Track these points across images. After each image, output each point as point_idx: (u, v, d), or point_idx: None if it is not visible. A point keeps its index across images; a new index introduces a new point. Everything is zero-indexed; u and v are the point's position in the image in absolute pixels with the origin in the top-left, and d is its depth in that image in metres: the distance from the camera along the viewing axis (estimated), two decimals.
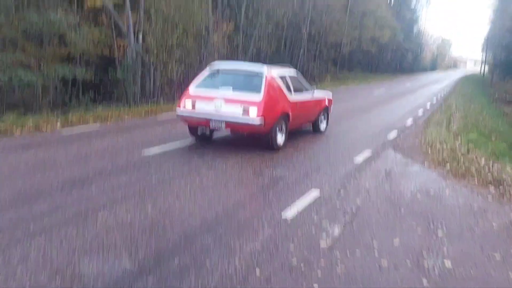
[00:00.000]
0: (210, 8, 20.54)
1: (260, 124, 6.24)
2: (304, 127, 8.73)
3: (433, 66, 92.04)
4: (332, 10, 32.35)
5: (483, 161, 6.60)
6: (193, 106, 6.72)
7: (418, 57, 71.04)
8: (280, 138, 6.95)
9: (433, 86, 31.88)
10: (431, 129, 9.62)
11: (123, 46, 17.33)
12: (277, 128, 6.79)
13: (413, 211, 4.46)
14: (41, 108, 12.86)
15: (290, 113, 7.07)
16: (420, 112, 13.71)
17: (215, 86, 6.82)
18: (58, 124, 8.91)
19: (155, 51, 16.16)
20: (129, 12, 16.34)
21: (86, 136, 7.83)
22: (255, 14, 22.61)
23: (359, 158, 6.72)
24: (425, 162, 6.70)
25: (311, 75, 31.87)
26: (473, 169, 6.12)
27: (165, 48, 16.25)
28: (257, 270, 3.09)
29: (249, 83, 6.78)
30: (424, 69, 78.30)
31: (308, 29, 29.71)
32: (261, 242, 3.55)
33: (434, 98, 19.59)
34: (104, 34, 16.86)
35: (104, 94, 16.66)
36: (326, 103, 9.01)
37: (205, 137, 7.38)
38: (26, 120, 8.81)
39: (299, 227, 3.88)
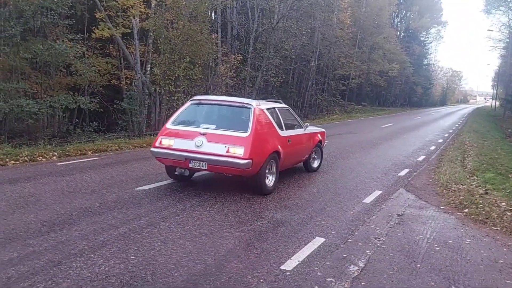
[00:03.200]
0: (219, 40, 20.63)
1: (247, 166, 5.46)
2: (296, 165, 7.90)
3: (443, 100, 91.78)
4: (340, 43, 32.48)
5: (503, 205, 6.05)
6: (170, 144, 5.90)
7: (428, 91, 70.86)
8: (270, 181, 6.15)
9: (444, 120, 31.40)
10: (444, 167, 9.11)
11: (130, 77, 17.30)
12: (267, 170, 5.99)
13: (431, 265, 3.92)
14: (43, 137, 12.64)
15: (282, 151, 6.28)
16: (432, 147, 13.20)
17: (196, 122, 6.15)
18: (55, 155, 8.60)
19: (161, 82, 16.05)
20: (137, 43, 16.39)
21: (81, 169, 7.47)
22: (264, 47, 22.64)
23: (368, 199, 6.22)
24: (441, 205, 6.17)
25: (319, 108, 31.69)
26: (494, 214, 5.57)
27: (172, 79, 16.14)
28: None
29: (235, 118, 6.14)
30: (433, 104, 78.01)
31: (316, 61, 29.72)
32: None
33: (446, 134, 19.09)
34: (111, 65, 16.86)
35: (108, 124, 16.49)
36: (319, 138, 8.23)
37: (183, 178, 6.52)
38: (22, 151, 8.51)
39: (299, 285, 3.37)
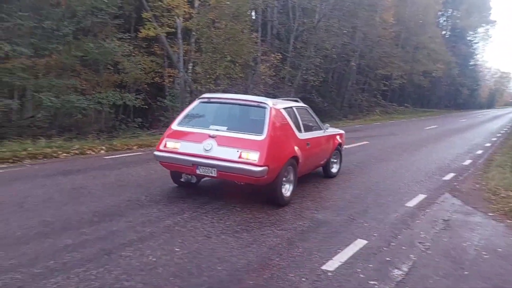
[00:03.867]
0: (259, 39, 20.73)
1: (262, 174, 4.85)
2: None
3: (490, 103, 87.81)
4: (383, 42, 31.76)
5: None
6: (175, 148, 5.32)
7: (474, 93, 68.04)
8: (287, 190, 5.51)
9: (492, 123, 30.05)
10: (493, 172, 8.73)
11: (173, 75, 17.72)
12: (284, 177, 5.38)
13: (479, 273, 3.80)
14: (92, 132, 13.21)
15: (300, 156, 5.67)
16: (479, 151, 12.68)
17: (205, 123, 5.53)
18: (103, 149, 8.99)
19: (202, 80, 16.35)
20: (181, 42, 16.77)
21: (127, 163, 7.77)
22: (304, 46, 22.53)
23: (412, 203, 6.08)
24: (489, 211, 5.94)
25: (359, 108, 31.15)
26: None
27: (213, 77, 16.40)
28: None
29: (248, 118, 5.60)
30: (480, 106, 74.78)
31: (357, 61, 29.23)
32: None
33: (493, 137, 18.26)
34: (155, 63, 17.34)
35: (152, 120, 16.98)
36: (339, 140, 7.61)
37: (190, 185, 5.89)
38: (72, 145, 8.95)
39: (341, 286, 3.37)
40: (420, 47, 39.75)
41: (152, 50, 17.70)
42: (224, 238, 4.19)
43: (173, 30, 16.81)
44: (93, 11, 13.31)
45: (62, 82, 12.63)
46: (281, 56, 21.00)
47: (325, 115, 23.79)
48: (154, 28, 16.03)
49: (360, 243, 4.30)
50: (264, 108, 5.35)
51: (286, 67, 21.65)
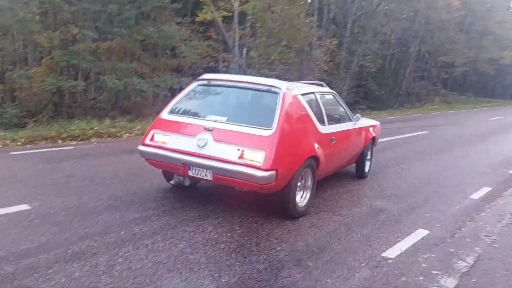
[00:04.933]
0: (314, 24, 20.39)
1: (269, 180, 3.80)
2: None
3: None
4: (446, 27, 30.08)
5: None
6: (164, 142, 4.30)
7: None
8: (303, 198, 4.44)
9: None
10: None
11: (228, 60, 17.92)
12: (298, 182, 4.28)
13: None
14: (151, 114, 13.75)
15: (322, 155, 4.54)
16: None
17: (202, 112, 4.47)
18: None
19: (257, 65, 16.41)
20: (237, 26, 16.86)
21: None
22: (362, 31, 21.89)
23: (476, 195, 5.81)
24: None
25: (417, 96, 29.91)
26: None
27: (267, 62, 16.40)
28: None
29: (255, 106, 4.55)
30: None
31: (417, 47, 27.97)
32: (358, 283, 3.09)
33: None
34: (211, 47, 17.60)
35: None
36: (372, 134, 6.39)
37: (183, 187, 4.85)
38: (134, 126, 9.38)
39: (402, 273, 3.32)
40: (487, 33, 37.23)
41: (209, 34, 17.97)
42: (282, 220, 4.24)
43: (230, 14, 16.94)
44: None
45: (124, 65, 13.18)
46: (337, 41, 20.54)
47: (381, 103, 23.10)
48: (211, 12, 16.23)
49: (421, 233, 4.19)
50: (276, 93, 4.21)
51: (342, 53, 21.18)
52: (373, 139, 6.46)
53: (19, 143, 7.16)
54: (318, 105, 4.84)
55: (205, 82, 4.74)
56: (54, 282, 2.79)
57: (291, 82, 4.89)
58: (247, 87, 4.54)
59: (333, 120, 5.18)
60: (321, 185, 5.45)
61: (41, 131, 8.09)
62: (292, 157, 4.11)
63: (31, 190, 4.63)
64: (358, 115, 5.95)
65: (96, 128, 8.61)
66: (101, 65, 12.75)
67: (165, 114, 4.52)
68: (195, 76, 16.60)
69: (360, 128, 5.92)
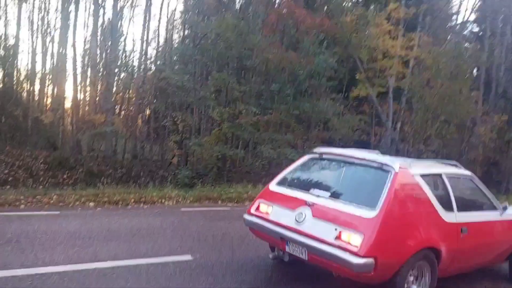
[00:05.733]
0: (480, 98, 19.05)
1: (366, 269, 3.36)
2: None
3: None
4: None
5: None
6: (267, 213, 4.21)
7: None
8: None
9: None
10: None
11: (380, 133, 17.91)
12: (410, 276, 3.76)
13: None
14: None
15: (445, 248, 3.91)
16: None
17: (306, 186, 4.23)
18: None
19: (411, 140, 15.99)
20: (391, 102, 16.96)
21: None
22: None
23: None
24: None
25: None
26: None
27: (423, 137, 15.86)
28: None
29: (361, 184, 4.14)
30: None
31: None
32: None
33: None
34: (363, 121, 17.92)
35: None
36: None
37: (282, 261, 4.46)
38: None
39: None
40: None
41: (361, 109, 18.42)
42: None
43: (384, 90, 17.20)
44: (312, 75, 14.95)
45: (280, 136, 14.41)
46: (506, 117, 18.67)
47: None
48: (366, 89, 16.76)
49: None
50: (387, 171, 3.81)
51: None
52: None
53: (188, 201, 8.44)
54: (445, 188, 4.21)
55: (317, 155, 4.57)
56: None
57: (411, 160, 4.66)
58: (359, 163, 4.18)
59: (467, 207, 4.42)
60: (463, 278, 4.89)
61: (206, 191, 9.38)
62: (400, 245, 3.58)
63: (194, 243, 5.46)
64: (506, 204, 4.90)
65: (250, 191, 9.55)
66: (259, 136, 14.21)
67: (273, 185, 4.46)
68: (345, 147, 17.05)
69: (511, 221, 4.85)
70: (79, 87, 20.98)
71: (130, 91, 20.61)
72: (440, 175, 4.27)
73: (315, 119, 15.95)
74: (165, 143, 18.49)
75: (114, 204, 7.52)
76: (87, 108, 22.15)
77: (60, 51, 20.27)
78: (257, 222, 4.25)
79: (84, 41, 25.07)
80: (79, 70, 21.17)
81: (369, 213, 3.51)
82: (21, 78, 20.21)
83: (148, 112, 19.67)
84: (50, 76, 20.92)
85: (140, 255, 4.71)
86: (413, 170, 3.95)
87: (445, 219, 3.98)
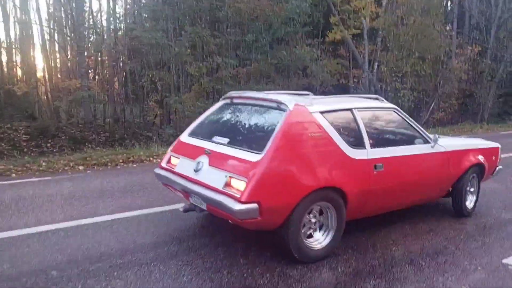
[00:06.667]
0: (454, 31, 19.24)
1: (250, 215, 3.17)
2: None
3: None
4: None
5: None
6: (175, 165, 4.07)
7: None
8: (319, 241, 3.62)
9: None
10: None
11: (357, 75, 18.13)
12: (309, 220, 3.55)
13: None
14: None
15: (352, 187, 3.62)
16: None
17: (211, 133, 3.99)
18: None
19: (387, 79, 16.28)
20: (366, 42, 17.04)
21: None
22: (508, 35, 19.83)
23: None
24: None
25: None
26: None
27: (399, 75, 16.15)
28: None
29: (259, 128, 3.79)
30: None
31: None
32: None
33: None
34: (340, 65, 18.04)
35: None
36: (477, 160, 4.79)
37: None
38: None
39: None
40: None
41: (338, 52, 18.48)
42: (401, 225, 4.48)
43: (359, 31, 17.22)
44: (287, 22, 14.84)
45: (260, 87, 14.50)
46: (479, 49, 19.02)
47: None
48: (341, 31, 16.75)
49: None
50: (283, 111, 3.56)
51: (485, 60, 19.49)
52: (480, 166, 4.86)
53: None
54: (355, 124, 3.86)
55: (228, 100, 4.35)
56: None
57: (320, 97, 4.32)
58: (261, 104, 3.92)
59: (387, 143, 4.12)
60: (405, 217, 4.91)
61: None
62: (289, 188, 3.29)
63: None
64: (437, 135, 4.49)
65: None
66: (240, 88, 14.27)
67: (184, 136, 4.25)
68: (324, 93, 17.30)
69: (447, 153, 4.47)
70: (48, 54, 20.28)
71: (103, 53, 20.07)
72: (350, 110, 3.92)
73: (294, 66, 15.99)
74: (145, 104, 18.38)
75: (104, 166, 7.69)
76: (59, 75, 21.54)
77: (23, 18, 19.40)
78: (165, 176, 4.05)
79: (47, 5, 24.01)
80: (46, 37, 20.36)
81: (255, 157, 3.29)
82: None
83: (123, 74, 19.30)
84: (17, 45, 20.13)
85: (136, 208, 4.94)
86: (312, 108, 3.62)
87: (352, 156, 3.67)
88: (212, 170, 3.55)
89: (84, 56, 17.83)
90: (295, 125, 3.47)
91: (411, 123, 4.34)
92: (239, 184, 3.25)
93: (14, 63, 20.64)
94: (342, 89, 18.70)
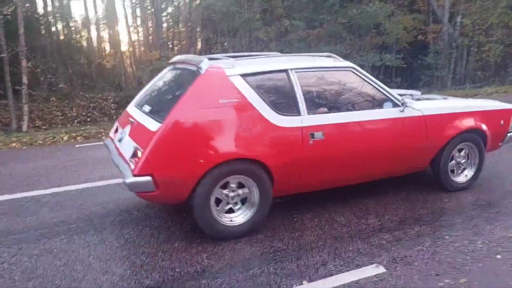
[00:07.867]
0: None
1: (144, 188, 2.97)
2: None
3: None
4: None
5: None
6: (116, 135, 3.85)
7: None
8: (238, 216, 3.27)
9: None
10: None
11: (437, 31, 17.01)
12: (214, 196, 3.14)
13: None
14: None
15: (277, 159, 3.21)
16: None
17: (143, 102, 3.81)
18: None
19: (470, 33, 15.10)
20: None
21: None
22: None
23: None
24: None
25: None
26: None
27: (483, 28, 14.89)
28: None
29: (173, 95, 3.60)
30: None
31: None
32: None
33: None
34: (417, 20, 17.04)
35: (412, 80, 17.01)
36: (474, 124, 4.00)
37: None
38: None
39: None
40: None
41: (415, 7, 17.42)
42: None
43: None
44: None
45: (331, 48, 14.36)
46: None
47: None
48: None
49: None
50: (196, 74, 3.23)
51: None
52: (478, 131, 4.06)
53: None
54: (289, 87, 3.36)
55: (172, 66, 4.03)
56: None
57: (251, 58, 3.71)
58: (188, 69, 3.52)
59: (335, 107, 3.54)
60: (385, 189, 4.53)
61: None
62: (190, 159, 2.99)
63: None
64: (419, 92, 3.99)
65: None
66: (310, 51, 14.27)
67: (130, 105, 3.98)
68: (400, 52, 16.55)
69: (422, 117, 3.78)
70: (131, 29, 21.79)
71: (180, 25, 21.05)
72: (285, 71, 3.40)
73: (366, 25, 15.48)
74: None
75: None
76: (142, 48, 23.07)
77: None
78: (107, 145, 3.87)
79: None
80: (129, 11, 21.82)
81: (155, 126, 3.05)
82: (79, 28, 21.32)
83: (199, 43, 20.15)
84: (104, 21, 21.86)
85: None
86: (230, 71, 3.22)
87: (279, 124, 3.22)
88: (128, 141, 3.35)
89: (162, 28, 18.89)
90: (204, 90, 3.14)
91: (374, 84, 3.68)
92: (139, 156, 3.02)
93: (102, 38, 22.51)
94: (419, 46, 17.75)
